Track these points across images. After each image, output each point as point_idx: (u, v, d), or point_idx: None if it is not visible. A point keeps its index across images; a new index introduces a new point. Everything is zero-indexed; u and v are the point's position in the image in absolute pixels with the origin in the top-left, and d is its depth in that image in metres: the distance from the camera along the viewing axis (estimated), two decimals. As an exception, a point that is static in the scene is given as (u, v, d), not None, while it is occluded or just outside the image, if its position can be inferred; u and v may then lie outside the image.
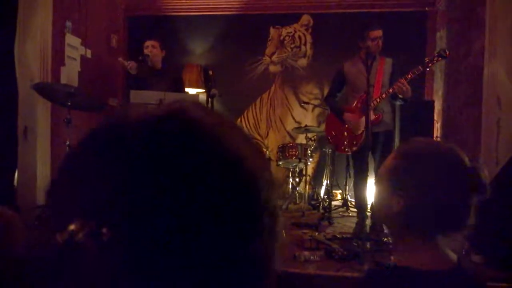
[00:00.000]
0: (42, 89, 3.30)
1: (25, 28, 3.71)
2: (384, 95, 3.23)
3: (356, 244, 2.75)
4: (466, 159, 0.88)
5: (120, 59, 4.06)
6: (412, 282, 0.83)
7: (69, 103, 3.15)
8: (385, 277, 0.86)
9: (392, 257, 0.91)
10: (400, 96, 3.18)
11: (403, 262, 0.86)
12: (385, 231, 2.43)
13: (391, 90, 3.18)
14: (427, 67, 3.19)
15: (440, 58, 3.15)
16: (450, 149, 0.89)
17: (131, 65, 3.79)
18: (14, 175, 3.65)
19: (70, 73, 4.24)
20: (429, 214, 0.84)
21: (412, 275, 0.83)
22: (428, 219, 0.84)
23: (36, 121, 3.78)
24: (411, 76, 3.12)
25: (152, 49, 3.82)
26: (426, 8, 4.95)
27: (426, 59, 3.25)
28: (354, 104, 3.41)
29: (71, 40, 4.24)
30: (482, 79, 3.41)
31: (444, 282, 0.83)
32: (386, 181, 0.91)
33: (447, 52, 3.16)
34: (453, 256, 0.87)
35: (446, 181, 0.84)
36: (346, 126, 3.41)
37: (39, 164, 3.82)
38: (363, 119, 3.08)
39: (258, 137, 5.36)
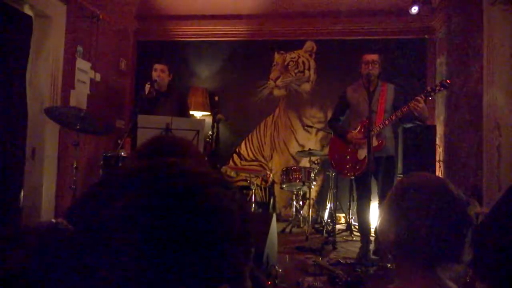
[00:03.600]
0: (52, 113, 3.37)
1: (38, 52, 3.84)
2: (387, 121, 3.22)
3: (359, 270, 2.75)
4: (457, 193, 0.92)
5: (146, 85, 4.09)
6: None
7: (78, 126, 3.21)
8: None
9: (390, 286, 0.93)
10: (416, 114, 3.08)
11: None
12: (389, 256, 2.44)
13: (405, 110, 3.11)
14: (430, 96, 3.17)
15: (442, 88, 3.15)
16: (440, 184, 0.93)
17: (148, 90, 3.84)
18: (20, 195, 3.69)
19: (79, 96, 4.35)
20: (421, 245, 0.87)
21: None
22: (421, 250, 0.88)
23: (44, 142, 3.85)
24: (420, 98, 3.06)
25: (161, 73, 3.92)
26: (426, 36, 5.08)
27: (428, 88, 3.24)
28: (357, 130, 3.39)
29: (82, 64, 4.37)
30: (482, 105, 3.47)
31: None
32: (384, 211, 0.96)
33: (448, 81, 3.17)
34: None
35: (435, 214, 0.87)
36: (349, 150, 3.40)
37: (45, 185, 3.87)
38: (366, 142, 3.10)
39: (262, 160, 5.41)
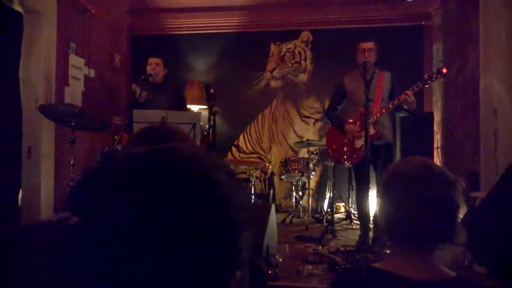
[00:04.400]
0: (46, 111, 3.35)
1: (30, 49, 3.81)
2: (384, 110, 3.23)
3: (359, 257, 2.75)
4: (440, 172, 0.92)
5: (133, 85, 4.03)
6: (387, 285, 0.87)
7: (73, 123, 3.19)
8: (359, 280, 0.90)
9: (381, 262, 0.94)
10: (405, 107, 3.16)
11: (389, 268, 0.89)
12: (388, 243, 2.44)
13: (396, 102, 3.16)
14: (426, 84, 3.20)
15: (439, 75, 3.16)
16: (422, 166, 0.93)
17: (139, 92, 3.77)
18: (18, 194, 3.68)
19: (74, 93, 4.33)
20: (411, 229, 0.88)
21: (395, 282, 0.86)
22: (411, 234, 0.89)
23: (40, 140, 3.83)
24: (410, 92, 3.11)
25: (156, 66, 3.89)
26: (422, 22, 5.04)
27: (425, 76, 3.27)
28: (354, 119, 3.41)
29: (75, 60, 4.33)
30: (479, 91, 3.46)
31: None
32: (377, 199, 1.00)
33: (445, 70, 3.17)
34: (449, 272, 0.90)
35: (417, 196, 0.88)
36: (346, 140, 3.41)
37: (43, 184, 3.86)
38: (363, 132, 3.10)
39: (261, 152, 5.40)
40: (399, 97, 3.13)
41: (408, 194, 0.89)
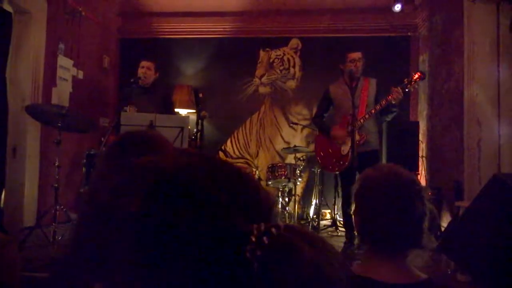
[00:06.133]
0: (33, 111, 3.30)
1: (18, 49, 3.76)
2: (367, 116, 3.33)
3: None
4: (409, 178, 0.97)
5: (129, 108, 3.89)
6: None
7: (60, 124, 3.15)
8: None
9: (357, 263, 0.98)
10: (394, 102, 3.25)
11: (363, 272, 0.92)
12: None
13: (384, 103, 3.27)
14: (406, 88, 3.35)
15: (418, 79, 3.34)
16: (390, 175, 0.97)
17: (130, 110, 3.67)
18: (1, 195, 3.61)
19: (62, 94, 4.28)
20: (380, 233, 0.93)
21: (372, 285, 0.89)
22: (381, 239, 0.93)
23: (26, 140, 3.77)
24: (395, 97, 3.23)
25: (147, 70, 3.86)
26: (409, 33, 5.14)
27: (405, 81, 3.41)
28: (340, 125, 3.48)
29: (63, 61, 4.29)
30: (463, 102, 3.54)
31: None
32: (352, 202, 1.03)
33: (423, 73, 3.37)
34: (420, 274, 0.94)
35: (386, 203, 0.93)
36: (333, 146, 3.48)
37: (27, 184, 3.79)
38: (349, 139, 3.16)
39: (248, 157, 5.41)
40: (388, 97, 3.24)
41: (377, 202, 0.94)
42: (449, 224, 3.14)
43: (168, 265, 0.35)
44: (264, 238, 0.34)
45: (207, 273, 0.34)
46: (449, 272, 2.52)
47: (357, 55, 3.42)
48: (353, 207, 1.01)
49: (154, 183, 0.38)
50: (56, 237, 2.99)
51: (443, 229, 3.33)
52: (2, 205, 3.62)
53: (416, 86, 3.55)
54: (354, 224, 1.03)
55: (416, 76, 3.38)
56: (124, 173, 0.41)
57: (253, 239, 0.34)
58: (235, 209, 0.37)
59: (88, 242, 0.43)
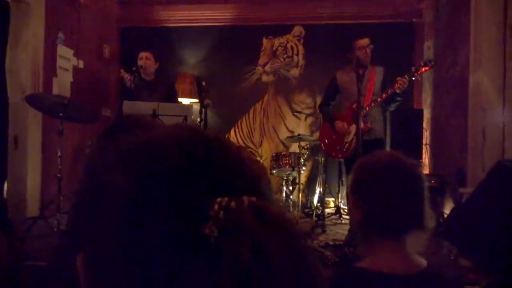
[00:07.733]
0: (34, 101, 3.29)
1: (17, 39, 3.73)
2: (373, 104, 3.30)
3: (348, 251, 2.77)
4: (406, 161, 0.97)
5: (122, 71, 4.02)
6: (382, 286, 0.89)
7: (61, 114, 3.14)
8: (354, 280, 0.92)
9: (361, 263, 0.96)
10: (398, 91, 3.21)
11: (374, 266, 0.91)
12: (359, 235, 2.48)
13: (390, 91, 3.23)
14: (413, 77, 3.28)
15: (426, 68, 3.27)
16: (391, 158, 0.98)
17: (128, 78, 3.77)
18: (3, 186, 3.62)
19: (62, 84, 4.26)
20: (382, 218, 0.92)
21: (383, 279, 0.87)
22: (382, 222, 0.92)
23: (27, 131, 3.77)
24: (400, 86, 3.19)
25: (146, 60, 3.84)
26: (414, 20, 5.06)
27: (412, 69, 3.35)
28: (345, 113, 3.48)
29: (63, 51, 4.26)
30: (468, 88, 3.49)
31: (414, 286, 0.89)
32: (349, 193, 1.02)
33: (432, 62, 3.28)
34: (422, 262, 0.93)
35: (386, 186, 0.92)
36: (335, 136, 3.49)
37: (29, 175, 3.81)
38: (353, 127, 3.14)
39: (252, 146, 5.39)
40: (394, 85, 3.19)
41: (385, 188, 0.92)
42: (452, 210, 3.12)
43: (145, 240, 0.33)
44: (221, 213, 0.31)
45: (172, 249, 0.31)
46: (452, 258, 2.51)
47: (365, 41, 3.39)
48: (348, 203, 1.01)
49: (129, 157, 0.36)
50: (60, 227, 3.01)
51: (445, 216, 3.31)
52: (5, 196, 3.64)
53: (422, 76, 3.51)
54: (352, 221, 1.02)
55: (424, 69, 3.33)
56: (112, 149, 0.39)
57: (212, 214, 0.31)
58: (199, 180, 0.33)
59: (81, 220, 0.41)
